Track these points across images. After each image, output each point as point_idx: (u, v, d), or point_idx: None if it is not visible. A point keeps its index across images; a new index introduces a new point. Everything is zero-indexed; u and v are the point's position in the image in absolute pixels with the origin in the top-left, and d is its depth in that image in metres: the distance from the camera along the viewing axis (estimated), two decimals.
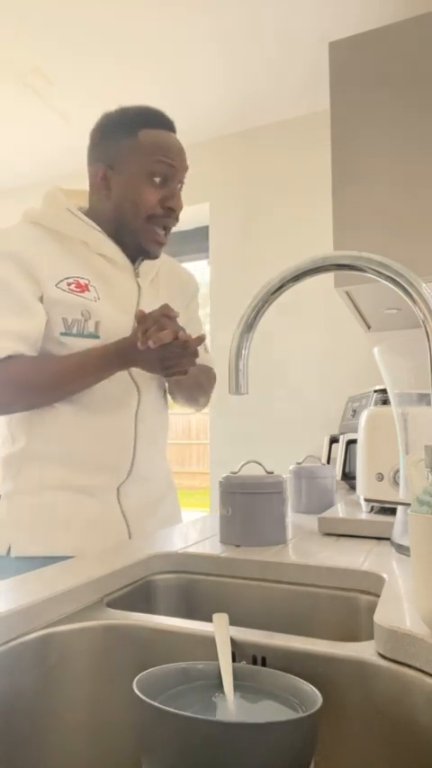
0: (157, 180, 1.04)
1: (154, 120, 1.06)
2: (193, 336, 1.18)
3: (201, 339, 1.01)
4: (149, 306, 1.07)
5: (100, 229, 1.07)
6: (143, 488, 1.11)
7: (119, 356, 1.00)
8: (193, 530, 0.98)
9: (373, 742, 0.47)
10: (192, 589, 0.78)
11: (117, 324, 1.05)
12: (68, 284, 1.02)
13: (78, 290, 1.03)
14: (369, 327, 1.92)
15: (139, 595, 0.74)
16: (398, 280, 0.58)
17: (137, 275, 1.12)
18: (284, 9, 1.69)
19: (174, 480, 1.27)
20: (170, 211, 1.06)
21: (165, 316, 0.96)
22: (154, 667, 0.47)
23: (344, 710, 0.48)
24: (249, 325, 0.65)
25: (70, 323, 1.01)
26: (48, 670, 0.54)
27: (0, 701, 0.50)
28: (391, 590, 0.60)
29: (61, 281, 1.01)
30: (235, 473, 0.87)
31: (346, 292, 1.44)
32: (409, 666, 0.47)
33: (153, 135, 1.05)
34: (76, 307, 1.01)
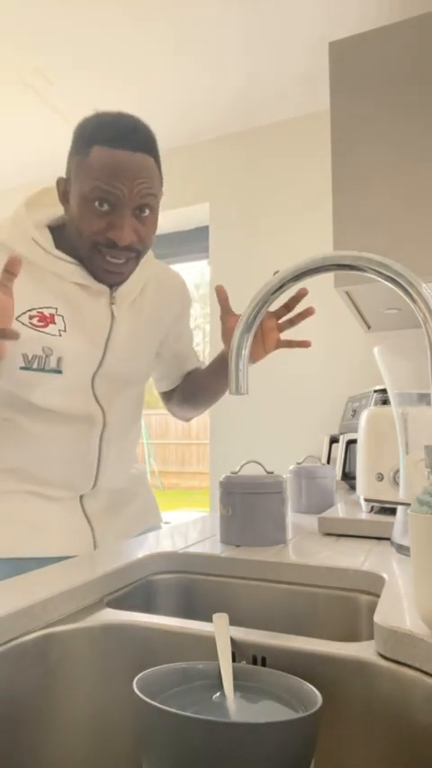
0: (103, 206, 0.91)
1: (111, 135, 0.92)
2: (185, 358, 1.22)
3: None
4: (124, 333, 1.04)
5: (69, 259, 0.98)
6: (108, 494, 1.09)
7: None
8: (193, 530, 0.98)
9: (373, 742, 0.47)
10: (192, 589, 0.78)
11: (83, 357, 1.00)
12: (30, 318, 0.95)
13: (41, 324, 0.96)
14: (369, 327, 1.92)
15: (139, 595, 0.74)
16: (398, 280, 0.58)
17: (112, 301, 1.03)
18: (284, 9, 1.69)
19: (146, 477, 1.24)
20: (112, 243, 0.93)
21: None
22: (154, 667, 0.47)
23: (344, 710, 0.48)
24: (249, 326, 0.66)
25: (30, 358, 0.95)
26: (48, 670, 0.54)
27: (0, 701, 0.50)
28: (391, 590, 0.60)
29: (23, 314, 0.94)
30: (235, 473, 0.87)
31: (346, 292, 1.44)
32: (409, 666, 0.47)
33: (103, 154, 0.90)
34: (37, 343, 0.95)
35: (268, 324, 1.07)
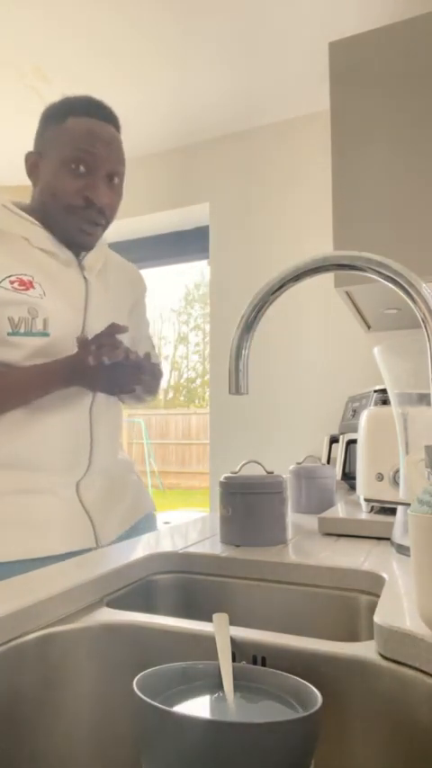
0: (79, 168, 1.00)
1: (84, 107, 1.04)
2: (141, 347, 1.20)
3: (148, 358, 1.00)
4: (99, 299, 1.08)
5: (38, 224, 1.03)
6: (103, 481, 1.09)
7: (62, 375, 0.97)
8: (193, 530, 0.98)
9: (373, 742, 0.47)
10: (192, 589, 0.78)
11: (66, 319, 1.02)
12: (11, 282, 0.97)
13: (22, 287, 0.98)
14: (369, 327, 1.92)
15: (139, 595, 0.74)
16: (398, 280, 0.58)
17: (82, 268, 1.08)
18: (284, 9, 1.69)
19: (133, 465, 1.25)
20: (90, 203, 1.00)
21: (113, 334, 0.96)
22: (154, 667, 0.47)
23: (344, 710, 0.48)
24: (249, 326, 0.66)
25: (17, 322, 0.96)
26: (48, 670, 0.54)
27: (0, 701, 0.50)
28: (391, 590, 0.60)
29: (3, 279, 0.96)
30: (235, 473, 0.87)
31: (346, 292, 1.44)
32: (409, 666, 0.47)
33: (79, 122, 1.02)
34: (22, 305, 0.96)
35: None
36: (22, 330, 0.97)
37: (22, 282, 0.98)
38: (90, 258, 1.11)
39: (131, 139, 2.36)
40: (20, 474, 1.00)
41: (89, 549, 1.01)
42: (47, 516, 1.00)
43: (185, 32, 1.79)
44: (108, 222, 1.06)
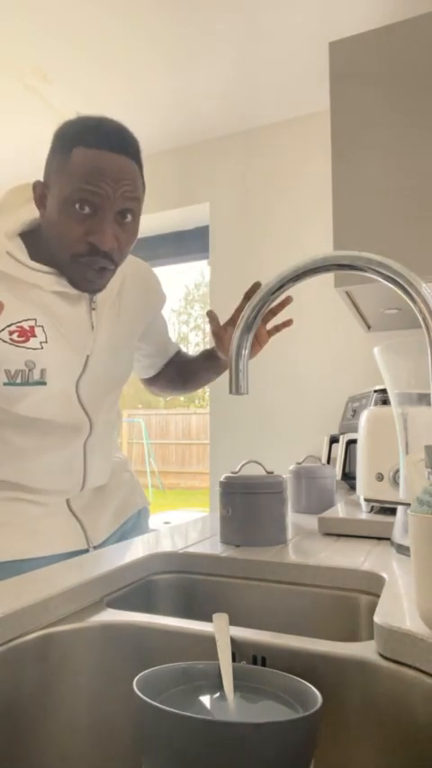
0: (83, 209, 0.88)
1: (93, 136, 0.89)
2: (170, 347, 1.32)
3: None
4: (104, 340, 1.04)
5: (46, 269, 0.96)
6: (92, 492, 1.11)
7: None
8: (193, 530, 0.98)
9: (373, 742, 0.47)
10: (192, 589, 0.78)
11: (66, 366, 0.99)
12: (10, 333, 0.93)
13: (22, 338, 0.94)
14: (369, 327, 1.92)
15: (139, 595, 0.74)
16: (398, 280, 0.58)
17: (93, 306, 1.02)
18: (284, 9, 1.69)
19: (128, 463, 1.25)
20: (94, 249, 0.90)
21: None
22: (154, 667, 0.47)
23: (344, 710, 0.48)
24: (249, 326, 0.66)
25: (13, 374, 0.94)
26: (48, 670, 0.54)
27: (0, 701, 0.50)
28: (391, 590, 0.60)
29: (2, 330, 0.93)
30: (235, 473, 0.87)
31: (346, 292, 1.44)
32: (409, 666, 0.47)
33: (86, 155, 0.88)
34: (19, 358, 0.94)
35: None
36: (18, 380, 0.95)
37: (21, 332, 0.94)
38: (103, 292, 1.04)
39: None
40: (12, 488, 1.01)
41: (81, 552, 1.02)
42: (35, 519, 1.02)
43: (185, 32, 1.79)
44: (117, 265, 0.97)
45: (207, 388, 2.37)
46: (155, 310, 1.23)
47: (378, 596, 0.64)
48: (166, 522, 1.26)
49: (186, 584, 0.78)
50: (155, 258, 2.65)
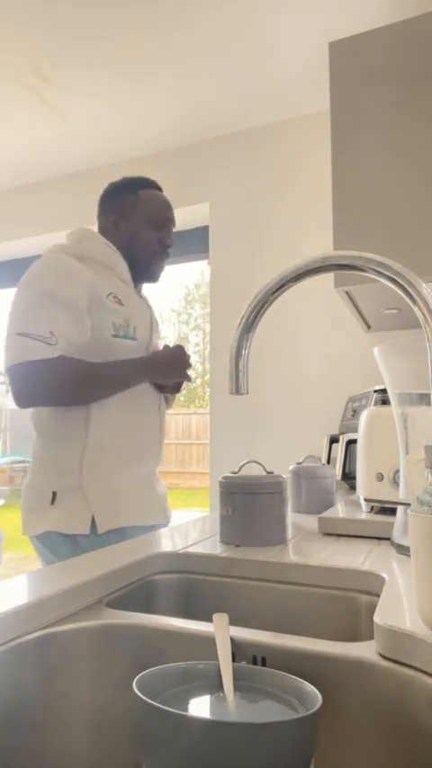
0: (160, 226, 1.41)
1: (145, 183, 1.44)
2: None
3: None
4: (155, 317, 1.46)
5: (124, 260, 1.38)
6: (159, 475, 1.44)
7: (148, 370, 1.34)
8: (193, 530, 0.98)
9: (373, 742, 0.47)
10: (192, 589, 0.78)
11: (144, 329, 1.37)
12: (113, 298, 1.30)
13: (118, 302, 1.31)
14: (369, 327, 1.92)
15: (139, 595, 0.74)
16: (398, 280, 0.58)
17: (140, 295, 1.45)
18: (284, 9, 1.69)
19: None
20: (165, 248, 1.43)
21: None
22: (154, 667, 0.47)
23: (344, 710, 0.48)
24: (249, 326, 0.66)
25: (117, 326, 1.29)
26: (48, 670, 0.54)
27: (0, 701, 0.50)
28: (391, 590, 0.60)
29: (108, 294, 1.29)
30: (235, 473, 0.87)
31: (346, 292, 1.44)
32: (409, 666, 0.47)
33: (150, 193, 1.43)
34: (121, 314, 1.30)
35: None
36: (121, 333, 1.30)
37: (117, 299, 1.31)
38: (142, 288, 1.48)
39: (132, 140, 2.36)
40: (117, 452, 1.29)
41: (164, 525, 1.36)
42: (136, 489, 1.32)
43: (185, 32, 1.79)
44: None
45: (207, 388, 2.37)
46: None
47: (378, 596, 0.64)
48: None
49: (186, 584, 0.78)
50: None
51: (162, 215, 1.42)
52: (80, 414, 1.27)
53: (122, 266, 1.38)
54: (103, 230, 1.42)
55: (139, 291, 1.44)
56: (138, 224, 1.40)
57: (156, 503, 1.38)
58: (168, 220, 1.44)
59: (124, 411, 1.31)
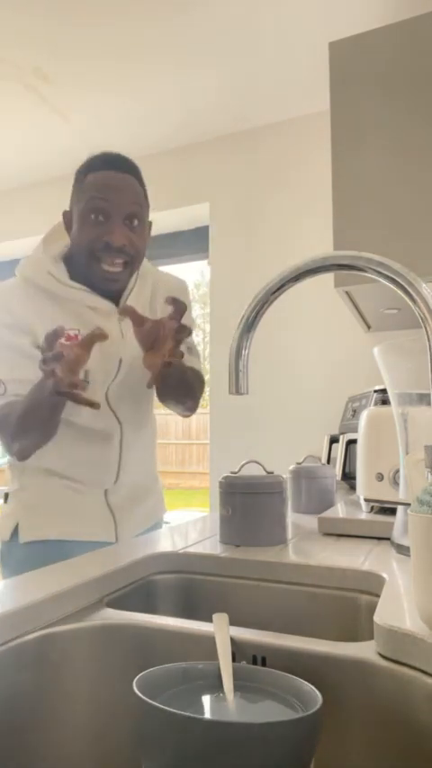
0: (98, 218, 1.07)
1: (99, 163, 1.10)
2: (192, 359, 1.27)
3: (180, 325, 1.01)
4: (132, 348, 1.11)
5: (80, 286, 1.12)
6: (127, 490, 1.22)
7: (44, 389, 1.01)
8: (193, 530, 0.98)
9: (373, 742, 0.47)
10: (192, 589, 0.78)
11: (102, 370, 1.13)
12: (65, 339, 1.04)
13: (70, 341, 1.06)
14: (369, 327, 1.92)
15: (139, 595, 0.74)
16: (398, 280, 0.58)
17: (121, 318, 1.16)
18: (284, 9, 1.69)
19: (159, 475, 1.38)
20: (108, 246, 1.07)
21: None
22: (154, 667, 0.47)
23: (344, 710, 0.48)
24: (249, 326, 0.66)
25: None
26: (48, 670, 0.54)
27: (0, 701, 0.50)
28: (391, 590, 0.60)
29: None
30: (235, 473, 0.87)
31: (346, 292, 1.44)
32: (409, 666, 0.47)
33: (94, 177, 1.09)
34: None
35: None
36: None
37: (69, 338, 1.07)
38: (132, 300, 1.18)
39: (132, 140, 2.36)
40: (60, 479, 1.16)
41: (108, 544, 1.11)
42: (79, 506, 1.16)
43: (185, 32, 1.79)
44: (133, 261, 1.12)
45: (207, 388, 2.37)
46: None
47: (378, 596, 0.64)
48: (166, 522, 1.29)
49: (186, 585, 0.78)
50: (155, 258, 2.64)
51: (99, 202, 1.06)
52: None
53: (80, 296, 1.13)
54: (68, 233, 1.17)
55: (119, 315, 1.14)
56: (77, 219, 1.11)
57: (102, 519, 1.18)
58: (112, 209, 1.06)
59: (70, 442, 1.13)
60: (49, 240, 1.19)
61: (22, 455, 1.12)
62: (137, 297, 1.20)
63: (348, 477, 1.52)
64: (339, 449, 1.61)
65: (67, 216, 1.15)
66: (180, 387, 1.19)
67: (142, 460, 1.27)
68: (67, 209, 1.16)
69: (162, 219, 2.52)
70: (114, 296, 1.17)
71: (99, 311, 1.14)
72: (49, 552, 1.08)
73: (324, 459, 1.72)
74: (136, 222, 1.10)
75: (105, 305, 1.15)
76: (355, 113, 1.36)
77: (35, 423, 1.05)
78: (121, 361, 1.15)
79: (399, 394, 0.80)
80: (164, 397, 1.24)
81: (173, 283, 1.30)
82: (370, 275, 0.61)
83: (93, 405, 0.95)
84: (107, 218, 1.07)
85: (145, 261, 1.21)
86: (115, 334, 1.14)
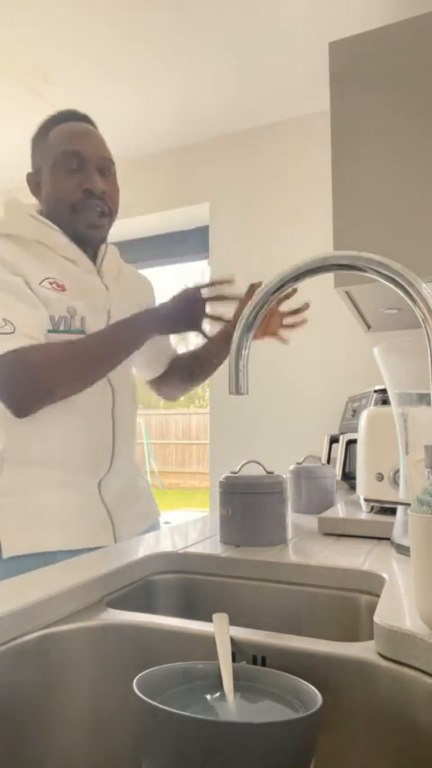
0: (71, 166, 1.07)
1: (60, 117, 1.11)
2: (170, 351, 1.35)
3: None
4: (119, 304, 1.14)
5: (61, 232, 1.09)
6: (120, 483, 1.15)
7: (155, 322, 1.08)
8: (193, 530, 0.98)
9: (374, 742, 0.47)
10: (192, 589, 0.78)
11: (96, 320, 1.08)
12: (50, 283, 1.03)
13: (59, 289, 1.04)
14: (369, 327, 1.92)
15: (139, 595, 0.74)
16: (398, 280, 0.58)
17: (100, 275, 1.14)
18: (285, 9, 1.69)
19: (142, 473, 1.31)
20: (89, 193, 1.07)
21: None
22: (154, 667, 0.47)
23: (344, 710, 0.48)
24: (249, 325, 0.65)
25: (57, 320, 1.03)
26: (48, 670, 0.54)
27: (0, 701, 0.50)
28: (391, 590, 0.60)
29: (43, 280, 1.03)
30: (235, 473, 0.87)
31: (346, 292, 1.44)
32: (409, 666, 0.47)
33: (59, 129, 1.09)
34: (62, 304, 1.03)
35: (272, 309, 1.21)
36: (61, 327, 1.03)
37: (57, 285, 1.04)
38: (106, 265, 1.17)
39: (132, 140, 2.36)
40: (46, 471, 1.05)
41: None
42: (72, 510, 1.05)
43: (185, 32, 1.79)
44: (112, 212, 1.12)
45: (207, 388, 2.37)
46: (149, 302, 1.31)
47: (378, 596, 0.64)
48: (166, 522, 1.28)
49: (186, 585, 0.78)
50: (155, 258, 2.64)
51: (71, 149, 1.06)
52: None
53: (61, 242, 1.08)
54: (35, 196, 1.15)
55: (102, 269, 1.14)
56: (49, 175, 1.08)
57: (98, 520, 1.08)
58: (79, 154, 1.06)
59: (60, 413, 1.03)
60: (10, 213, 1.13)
61: (51, 398, 1.01)
62: (108, 268, 1.18)
63: (348, 477, 1.52)
64: (339, 449, 1.61)
65: (33, 178, 1.14)
66: (212, 372, 1.30)
67: (129, 444, 1.20)
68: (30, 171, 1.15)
69: (162, 219, 2.53)
70: (90, 256, 1.14)
71: (79, 265, 1.11)
72: (38, 566, 0.90)
73: (324, 459, 1.72)
74: (108, 173, 1.11)
75: (85, 259, 1.12)
76: (355, 113, 1.36)
77: (104, 363, 1.03)
78: (109, 312, 1.12)
79: (399, 394, 0.80)
80: (192, 381, 1.33)
81: (142, 278, 1.34)
82: (370, 275, 0.61)
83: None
84: (81, 166, 1.07)
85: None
86: (99, 287, 1.13)
